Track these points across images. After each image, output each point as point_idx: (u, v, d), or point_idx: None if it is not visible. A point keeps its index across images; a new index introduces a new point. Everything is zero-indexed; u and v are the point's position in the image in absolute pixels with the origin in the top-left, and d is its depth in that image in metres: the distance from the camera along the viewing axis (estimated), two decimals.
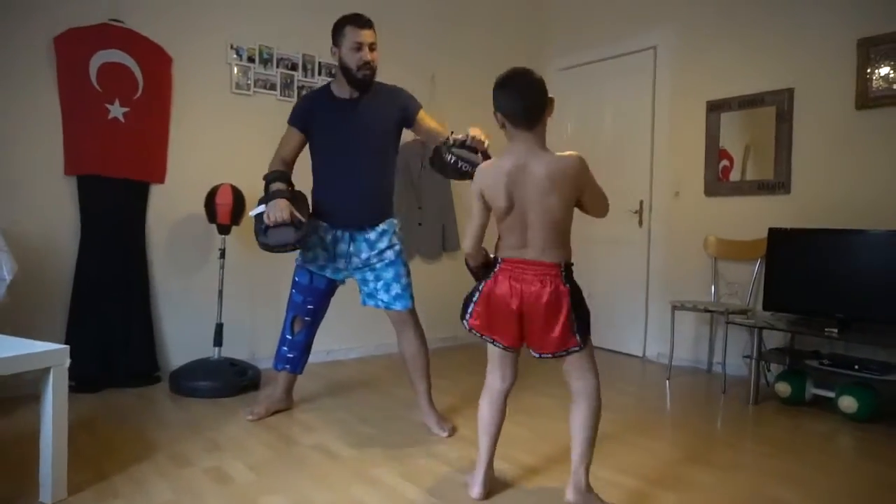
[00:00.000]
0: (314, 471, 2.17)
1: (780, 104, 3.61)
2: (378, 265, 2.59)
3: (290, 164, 2.63)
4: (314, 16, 3.85)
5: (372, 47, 2.48)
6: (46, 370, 1.84)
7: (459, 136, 2.31)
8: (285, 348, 2.72)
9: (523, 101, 1.79)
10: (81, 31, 3.04)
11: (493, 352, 1.94)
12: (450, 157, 2.28)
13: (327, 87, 2.64)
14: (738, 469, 2.33)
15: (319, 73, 3.88)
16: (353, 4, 3.94)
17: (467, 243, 1.93)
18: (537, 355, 1.86)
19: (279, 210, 2.39)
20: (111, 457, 2.21)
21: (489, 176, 1.83)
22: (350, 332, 3.91)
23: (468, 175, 2.26)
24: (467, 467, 2.22)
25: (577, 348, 1.81)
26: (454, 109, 4.44)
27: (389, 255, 2.59)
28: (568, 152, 1.80)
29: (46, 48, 2.97)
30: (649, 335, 4.27)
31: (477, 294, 1.89)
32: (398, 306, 2.57)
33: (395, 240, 2.62)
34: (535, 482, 2.13)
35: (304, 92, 3.82)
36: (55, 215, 3.03)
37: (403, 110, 2.58)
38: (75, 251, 3.07)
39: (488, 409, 1.96)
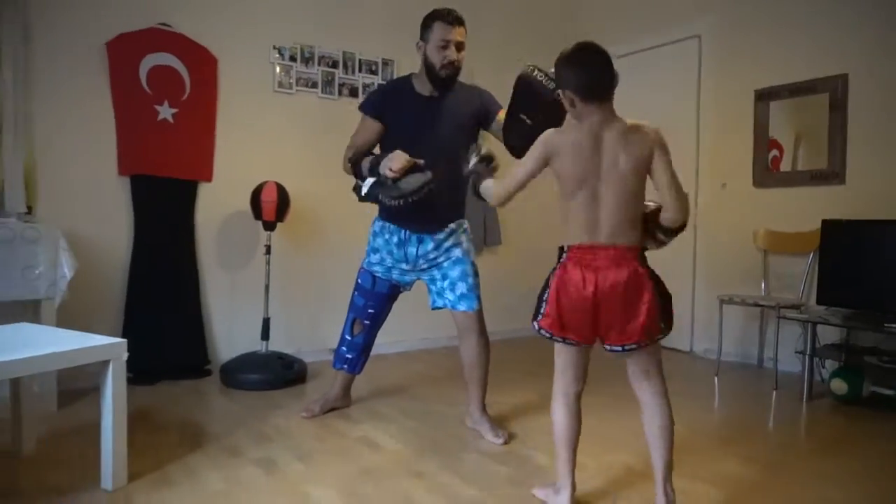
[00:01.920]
0: (361, 463, 2.21)
1: (834, 91, 3.47)
2: (445, 263, 2.52)
3: (364, 156, 2.47)
4: (354, 13, 3.90)
5: (459, 46, 2.39)
6: (106, 363, 1.92)
7: (486, 153, 2.20)
8: (344, 349, 2.71)
9: (600, 72, 1.69)
10: (132, 36, 3.14)
11: (566, 353, 1.77)
12: (537, 75, 2.14)
13: (409, 80, 2.52)
14: (788, 468, 2.26)
15: (360, 70, 3.92)
16: (392, 3, 3.99)
17: (499, 193, 1.86)
18: (619, 348, 1.68)
19: (398, 158, 2.23)
20: (166, 447, 2.29)
21: (564, 142, 1.69)
22: (393, 326, 3.93)
23: (554, 100, 2.09)
24: (510, 461, 2.22)
25: (660, 336, 1.69)
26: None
27: (457, 252, 2.53)
28: (644, 121, 1.70)
29: (99, 53, 3.08)
30: (696, 330, 4.18)
31: (547, 292, 1.72)
32: (463, 307, 2.50)
33: (463, 238, 2.56)
34: (599, 486, 2.12)
35: (344, 89, 3.87)
36: (110, 215, 3.15)
37: (485, 110, 2.50)
38: (130, 249, 3.19)
39: (566, 415, 1.77)
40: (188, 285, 3.35)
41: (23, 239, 2.51)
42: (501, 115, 2.45)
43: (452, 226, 2.56)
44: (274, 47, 3.62)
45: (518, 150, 2.40)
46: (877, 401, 3.01)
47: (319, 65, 3.78)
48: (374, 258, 2.59)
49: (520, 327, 4.68)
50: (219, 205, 3.45)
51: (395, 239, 2.53)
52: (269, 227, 3.26)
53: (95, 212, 3.10)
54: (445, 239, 2.53)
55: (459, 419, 2.66)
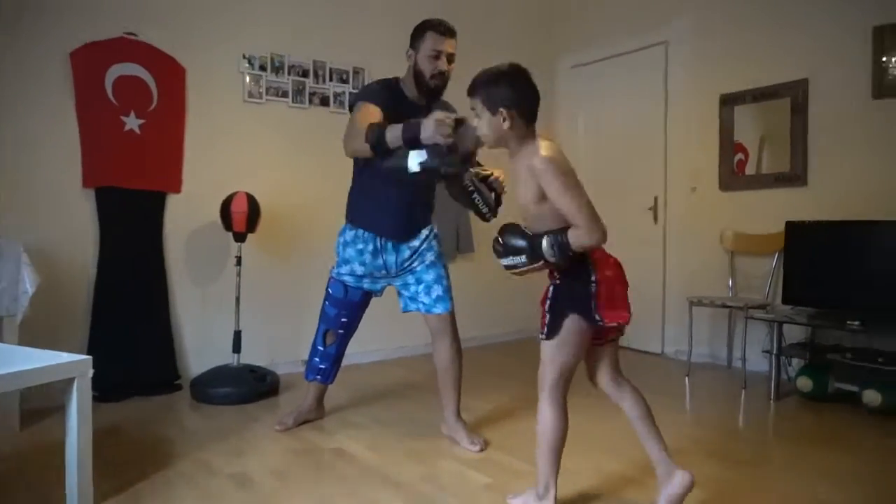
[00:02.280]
0: (336, 475, 2.19)
1: (795, 95, 3.57)
2: (419, 268, 2.53)
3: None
4: (324, 22, 3.88)
5: (450, 58, 2.40)
6: (70, 381, 1.87)
7: (484, 171, 2.23)
8: (317, 359, 2.68)
9: (537, 93, 1.78)
10: (97, 46, 3.09)
11: (576, 356, 1.80)
12: (469, 185, 2.14)
13: (397, 83, 2.48)
14: (761, 465, 2.31)
15: (331, 79, 3.91)
16: (363, 11, 3.99)
17: (603, 230, 1.67)
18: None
19: (440, 122, 2.04)
20: (136, 465, 2.24)
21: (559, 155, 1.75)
22: (368, 335, 3.91)
23: (476, 208, 2.21)
24: (487, 468, 2.22)
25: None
26: (463, 105, 4.44)
27: (430, 256, 2.54)
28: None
29: (63, 63, 3.02)
30: (667, 332, 4.24)
31: (594, 298, 1.71)
32: (439, 309, 2.51)
33: (434, 242, 2.58)
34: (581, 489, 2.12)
35: (315, 98, 3.85)
36: (75, 227, 3.07)
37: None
38: (95, 262, 3.12)
39: (563, 419, 1.81)
40: (157, 299, 3.29)
41: None
42: None
43: (425, 231, 2.57)
44: (243, 56, 3.59)
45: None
46: (841, 397, 3.10)
47: (290, 74, 3.76)
48: (345, 269, 2.57)
49: (493, 333, 4.71)
50: (188, 216, 3.40)
51: (369, 247, 2.51)
52: (240, 238, 3.22)
53: (59, 225, 3.03)
54: (420, 244, 2.54)
55: (435, 426, 2.66)
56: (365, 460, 2.33)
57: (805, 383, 3.13)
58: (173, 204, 3.37)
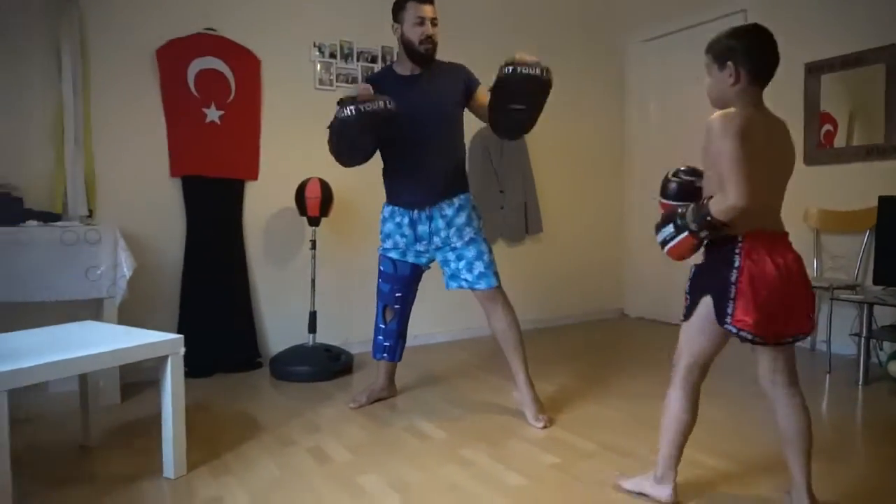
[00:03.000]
0: (407, 451, 2.26)
1: (890, 61, 3.32)
2: (458, 244, 2.57)
3: None
4: (391, 8, 3.91)
5: (434, 22, 2.51)
6: (164, 358, 2.02)
7: (516, 57, 2.24)
8: (380, 338, 2.77)
9: (776, 56, 1.67)
10: (179, 42, 3.26)
11: (715, 344, 1.68)
12: (521, 69, 2.18)
13: (389, 67, 2.67)
14: (844, 454, 2.20)
15: None
16: None
17: (741, 194, 1.51)
18: (789, 340, 1.64)
19: (362, 87, 2.32)
20: (223, 437, 2.40)
21: (748, 123, 1.58)
22: (435, 316, 3.99)
23: (543, 80, 2.21)
24: (555, 448, 2.24)
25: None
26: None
27: (469, 232, 2.57)
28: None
29: (150, 60, 3.21)
30: None
31: (733, 288, 1.58)
32: (482, 285, 2.54)
33: (473, 216, 2.61)
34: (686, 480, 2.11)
35: None
36: (164, 215, 3.28)
37: (466, 83, 2.59)
38: (183, 247, 3.32)
39: (691, 408, 1.73)
40: (238, 281, 3.47)
41: (85, 241, 2.65)
42: (482, 93, 2.52)
43: (459, 201, 2.59)
44: (314, 45, 3.68)
45: (515, 137, 2.52)
46: None
47: (359, 60, 3.83)
48: (388, 244, 2.67)
49: (563, 315, 4.67)
50: (265, 202, 3.56)
51: (405, 220, 2.60)
52: (314, 222, 3.34)
53: (150, 212, 3.24)
54: (455, 215, 2.57)
55: (504, 407, 2.69)
56: (435, 438, 2.39)
57: None
58: (251, 191, 3.53)
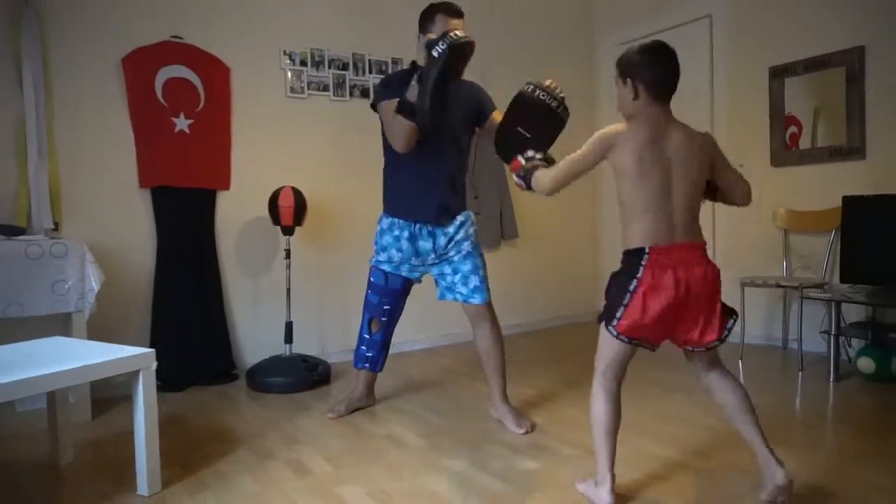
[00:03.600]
0: (387, 461, 2.24)
1: (850, 64, 3.42)
2: (455, 257, 2.56)
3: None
4: (361, 15, 3.92)
5: None
6: (136, 373, 1.97)
7: (550, 81, 2.22)
8: (364, 347, 2.74)
9: (675, 73, 1.75)
10: (146, 50, 3.20)
11: (624, 350, 1.76)
12: (539, 94, 2.17)
13: (411, 73, 2.48)
14: (818, 450, 2.25)
15: (370, 71, 3.94)
16: (399, 1, 4.00)
17: (551, 180, 1.83)
18: (701, 349, 1.76)
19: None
20: (198, 452, 2.35)
21: (629, 139, 1.70)
22: (414, 323, 3.97)
23: (556, 114, 2.20)
24: (535, 453, 2.24)
25: (727, 331, 1.75)
26: (503, 91, 4.41)
27: (466, 246, 2.56)
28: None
29: (115, 69, 3.15)
30: None
31: (628, 296, 1.69)
32: (476, 300, 2.54)
33: (471, 231, 2.60)
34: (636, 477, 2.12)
35: (356, 90, 3.89)
36: (134, 226, 3.22)
37: (481, 105, 2.55)
38: (154, 259, 3.26)
39: (612, 408, 1.79)
40: (212, 292, 3.41)
41: (51, 255, 2.58)
42: (496, 116, 2.50)
43: (461, 218, 2.59)
44: (284, 53, 3.66)
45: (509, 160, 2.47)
46: None
47: (330, 68, 3.81)
48: (382, 256, 2.62)
49: (538, 319, 4.70)
50: (238, 212, 3.51)
51: (405, 234, 2.55)
52: (288, 231, 3.31)
53: (119, 224, 3.17)
54: (455, 232, 2.56)
55: (484, 413, 2.69)
56: (415, 447, 2.38)
57: (867, 364, 3.02)
58: (223, 200, 3.48)
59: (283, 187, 3.28)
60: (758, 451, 1.75)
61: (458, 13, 2.45)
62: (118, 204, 3.17)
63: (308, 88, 3.74)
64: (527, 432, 2.45)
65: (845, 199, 3.27)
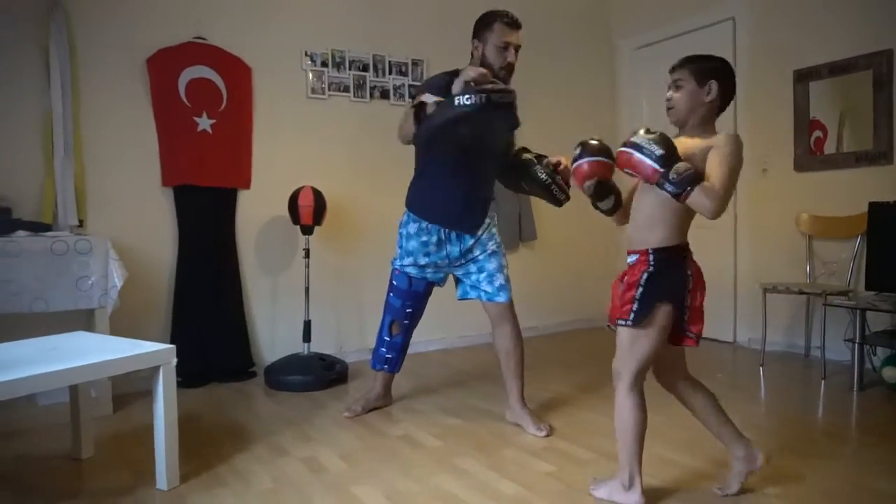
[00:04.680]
0: (402, 461, 2.25)
1: (878, 68, 3.35)
2: (481, 256, 2.56)
3: None
4: (382, 16, 3.94)
5: (517, 50, 2.43)
6: (156, 368, 2.00)
7: (553, 160, 2.39)
8: (383, 349, 2.73)
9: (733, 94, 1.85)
10: (170, 51, 3.25)
11: (658, 347, 1.78)
12: (544, 176, 2.37)
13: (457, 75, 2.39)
14: (840, 460, 2.21)
15: (390, 73, 3.96)
16: (420, 4, 4.02)
17: (722, 206, 1.63)
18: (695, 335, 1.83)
19: (479, 69, 2.23)
20: (216, 448, 2.38)
21: None
22: (432, 324, 3.96)
23: (553, 196, 2.42)
24: (550, 456, 2.23)
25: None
26: (522, 94, 4.40)
27: (491, 245, 2.57)
28: None
29: (140, 69, 3.20)
30: (739, 320, 4.09)
31: (689, 297, 1.77)
32: (501, 298, 2.53)
33: (494, 230, 2.61)
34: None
35: (375, 92, 3.91)
36: (156, 224, 3.26)
37: (514, 120, 2.51)
38: (175, 256, 3.30)
39: (641, 409, 1.80)
40: (231, 290, 3.44)
41: (76, 251, 2.63)
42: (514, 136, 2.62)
43: (488, 220, 2.61)
44: (305, 54, 3.69)
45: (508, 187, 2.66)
46: None
47: (350, 69, 3.84)
48: (408, 260, 2.61)
49: (555, 322, 4.67)
50: (258, 211, 3.54)
51: (433, 239, 2.54)
52: (307, 230, 3.33)
53: (142, 222, 3.22)
54: (481, 233, 2.57)
55: (499, 415, 2.68)
56: (430, 448, 2.38)
57: (892, 374, 2.96)
58: (244, 199, 3.52)
59: (303, 187, 3.30)
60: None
61: (516, 24, 2.43)
62: (141, 202, 3.22)
63: (329, 89, 3.77)
64: (547, 435, 2.44)
65: (871, 204, 3.21)
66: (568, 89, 4.66)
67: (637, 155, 1.66)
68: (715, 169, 1.66)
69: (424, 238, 2.55)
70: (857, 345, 3.04)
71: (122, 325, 2.79)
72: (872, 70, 3.38)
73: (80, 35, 3.03)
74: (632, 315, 1.74)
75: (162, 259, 3.27)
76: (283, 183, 3.45)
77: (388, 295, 2.70)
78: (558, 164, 2.41)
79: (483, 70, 2.24)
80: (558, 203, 2.48)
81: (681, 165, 1.63)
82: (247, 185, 3.51)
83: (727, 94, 1.80)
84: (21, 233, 2.60)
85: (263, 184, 3.54)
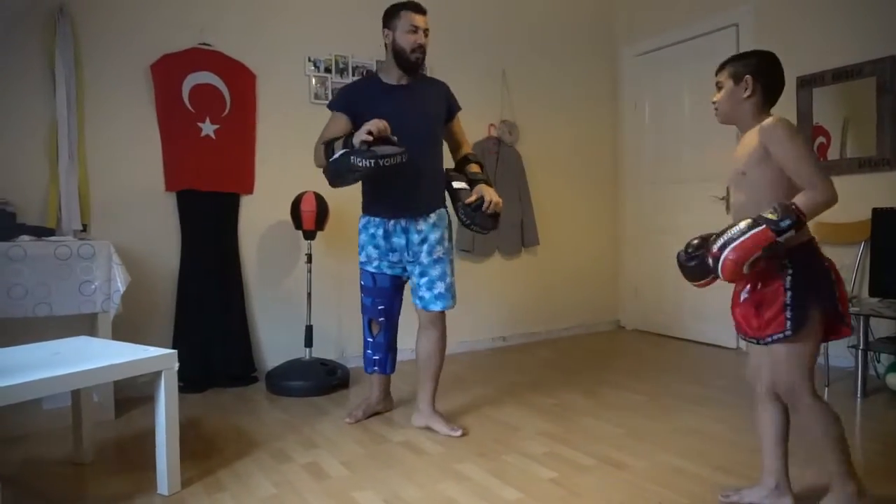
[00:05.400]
0: (403, 467, 2.24)
1: (882, 74, 3.35)
2: (425, 260, 2.58)
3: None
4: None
5: (426, 33, 2.55)
6: (158, 373, 2.00)
7: (475, 199, 2.45)
8: (369, 351, 2.75)
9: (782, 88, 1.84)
10: (174, 57, 3.26)
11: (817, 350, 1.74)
12: (464, 218, 2.49)
13: (374, 74, 2.69)
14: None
15: None
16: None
17: (832, 189, 1.65)
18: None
19: (375, 122, 2.27)
20: (217, 453, 2.38)
21: None
22: None
23: (479, 232, 2.57)
24: (553, 462, 2.22)
25: None
26: (525, 100, 4.42)
27: (439, 250, 2.59)
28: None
29: (144, 75, 3.21)
30: None
31: (836, 291, 1.71)
32: (436, 307, 2.57)
33: (446, 234, 2.63)
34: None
35: None
36: (159, 229, 3.27)
37: (448, 103, 2.67)
38: (178, 261, 3.31)
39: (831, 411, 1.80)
40: (234, 295, 3.45)
41: (79, 256, 2.64)
42: (458, 121, 2.72)
43: (434, 217, 2.60)
44: (309, 59, 3.70)
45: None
46: None
47: (353, 74, 3.85)
48: (363, 256, 2.67)
49: (558, 328, 4.66)
50: (260, 216, 3.55)
51: (380, 231, 2.60)
52: (310, 236, 3.34)
53: (145, 227, 3.23)
54: (430, 231, 2.58)
55: (501, 421, 2.67)
56: (432, 453, 2.37)
57: (895, 380, 2.94)
58: (247, 205, 3.52)
59: (306, 192, 3.31)
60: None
61: (421, 9, 2.56)
62: (144, 207, 3.23)
63: (332, 95, 3.78)
64: (462, 435, 2.51)
65: (875, 211, 3.21)
66: (571, 95, 4.66)
67: (739, 241, 1.58)
68: (790, 164, 1.66)
69: (372, 230, 2.62)
70: (860, 351, 3.03)
71: (124, 330, 2.80)
72: (876, 76, 3.37)
73: (84, 41, 3.05)
74: (788, 324, 1.67)
75: (164, 264, 3.28)
76: (285, 188, 3.45)
77: (360, 295, 2.75)
78: (480, 200, 2.45)
79: (381, 124, 2.28)
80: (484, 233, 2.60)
81: (776, 208, 1.59)
82: (250, 191, 3.52)
83: (769, 86, 1.81)
84: (25, 237, 2.62)
85: (266, 189, 3.55)
